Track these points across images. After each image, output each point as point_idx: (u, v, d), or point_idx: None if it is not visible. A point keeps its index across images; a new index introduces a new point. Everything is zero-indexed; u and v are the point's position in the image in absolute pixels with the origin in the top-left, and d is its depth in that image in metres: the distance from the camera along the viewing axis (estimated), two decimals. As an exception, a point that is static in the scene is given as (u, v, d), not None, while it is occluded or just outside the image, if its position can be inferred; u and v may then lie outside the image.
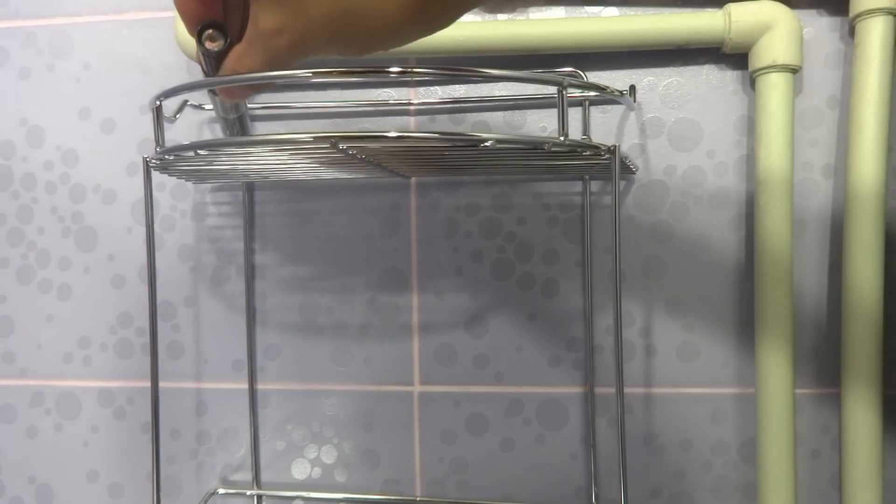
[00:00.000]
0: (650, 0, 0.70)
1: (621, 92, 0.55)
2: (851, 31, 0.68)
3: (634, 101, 0.70)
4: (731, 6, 0.66)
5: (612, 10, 0.71)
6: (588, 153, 0.50)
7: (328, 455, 0.78)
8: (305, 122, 0.75)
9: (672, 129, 0.71)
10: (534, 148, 0.47)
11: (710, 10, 0.67)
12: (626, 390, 0.73)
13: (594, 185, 0.72)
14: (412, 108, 0.74)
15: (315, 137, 0.44)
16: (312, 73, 0.38)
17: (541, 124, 0.73)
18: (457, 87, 0.73)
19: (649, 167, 0.71)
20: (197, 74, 0.76)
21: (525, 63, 0.71)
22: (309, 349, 0.77)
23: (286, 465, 0.78)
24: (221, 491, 0.78)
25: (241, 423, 0.78)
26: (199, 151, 0.49)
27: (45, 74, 0.78)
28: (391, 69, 0.38)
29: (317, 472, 0.78)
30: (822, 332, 0.71)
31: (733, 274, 0.71)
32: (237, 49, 0.43)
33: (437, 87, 0.74)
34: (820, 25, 0.69)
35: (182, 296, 0.78)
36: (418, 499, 0.76)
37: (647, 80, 0.71)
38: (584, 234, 0.72)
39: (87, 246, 0.79)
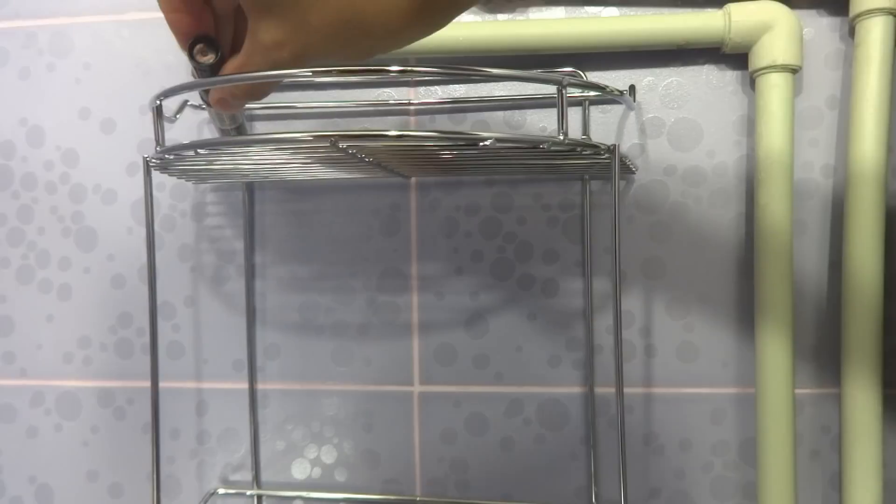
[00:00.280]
0: (650, 0, 0.70)
1: (621, 91, 0.55)
2: (851, 31, 0.68)
3: (634, 101, 0.70)
4: (731, 6, 0.66)
5: (612, 10, 0.71)
6: (588, 152, 0.50)
7: (328, 455, 0.78)
8: (305, 121, 0.75)
9: (672, 129, 0.71)
10: (533, 147, 0.47)
11: (710, 10, 0.67)
12: (626, 390, 0.73)
13: (594, 185, 0.72)
14: (412, 107, 0.74)
15: (315, 136, 0.44)
16: (313, 72, 0.38)
17: (541, 124, 0.73)
18: (456, 87, 0.73)
19: (649, 167, 0.71)
20: (197, 74, 0.76)
21: (525, 63, 0.71)
22: (309, 349, 0.77)
23: (286, 464, 0.78)
24: (221, 491, 0.78)
25: (241, 423, 0.78)
26: (199, 151, 0.49)
27: (45, 74, 0.78)
28: (391, 68, 0.39)
29: (317, 471, 0.78)
30: (822, 332, 0.71)
31: (733, 274, 0.71)
32: (235, 62, 0.43)
33: (436, 87, 0.74)
34: (820, 25, 0.69)
35: (182, 296, 0.78)
36: (418, 499, 0.76)
37: (647, 80, 0.71)
38: (584, 234, 0.72)
39: (87, 246, 0.79)
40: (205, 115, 0.76)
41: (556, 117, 0.72)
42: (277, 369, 0.78)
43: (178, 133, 0.76)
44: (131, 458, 0.80)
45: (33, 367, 0.81)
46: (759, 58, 0.65)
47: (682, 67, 0.71)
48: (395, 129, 0.44)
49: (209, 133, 0.76)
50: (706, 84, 0.71)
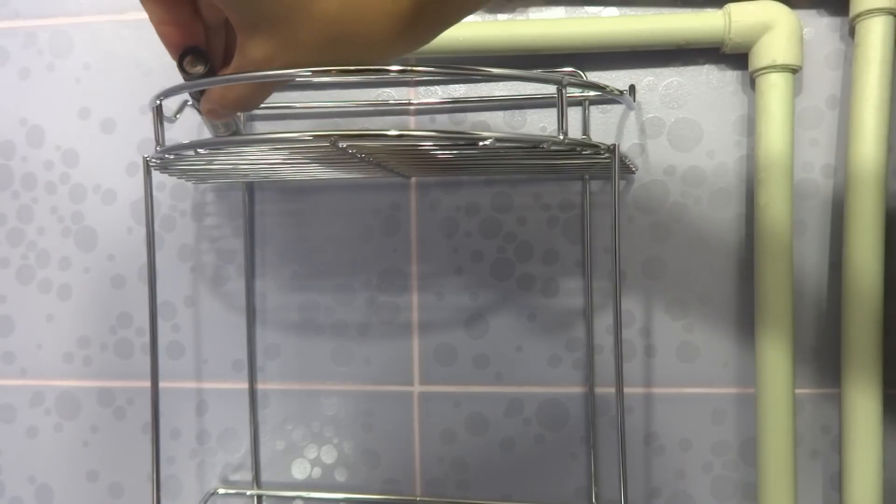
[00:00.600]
0: (650, 0, 0.70)
1: (621, 91, 0.55)
2: (851, 31, 0.68)
3: (634, 101, 0.70)
4: (731, 6, 0.66)
5: (612, 10, 0.71)
6: (587, 152, 0.50)
7: (328, 455, 0.78)
8: (305, 121, 0.75)
9: (672, 129, 0.71)
10: (533, 147, 0.47)
11: (710, 10, 0.67)
12: (626, 390, 0.73)
13: (594, 185, 0.72)
14: (412, 108, 0.74)
15: (315, 136, 0.44)
16: (312, 72, 0.38)
17: (541, 124, 0.73)
18: (457, 87, 0.74)
19: (649, 167, 0.71)
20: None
21: (525, 63, 0.71)
22: (309, 349, 0.77)
23: (286, 464, 0.78)
24: (221, 491, 0.78)
25: (241, 423, 0.78)
26: (199, 150, 0.48)
27: (45, 74, 0.78)
28: (391, 68, 0.39)
29: (317, 471, 0.78)
30: (823, 332, 0.71)
31: (733, 274, 0.71)
32: (226, 74, 0.43)
33: (437, 88, 0.74)
34: (820, 25, 0.69)
35: (182, 296, 0.78)
36: (418, 499, 0.76)
37: (647, 80, 0.71)
38: (584, 234, 0.72)
39: (87, 246, 0.79)
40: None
41: (556, 118, 0.72)
42: (277, 369, 0.78)
43: (178, 133, 0.76)
44: (131, 458, 0.80)
45: (33, 367, 0.81)
46: (759, 58, 0.65)
47: (682, 67, 0.71)
48: (395, 129, 0.44)
49: (209, 134, 0.76)
50: (706, 84, 0.71)
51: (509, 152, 0.51)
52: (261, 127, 0.76)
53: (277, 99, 0.75)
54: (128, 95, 0.77)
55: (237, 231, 0.77)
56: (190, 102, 0.71)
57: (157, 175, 0.76)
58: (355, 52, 0.38)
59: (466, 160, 0.57)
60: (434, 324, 0.75)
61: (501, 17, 0.72)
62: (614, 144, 0.51)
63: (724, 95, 0.70)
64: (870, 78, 0.64)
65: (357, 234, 0.76)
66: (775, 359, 0.67)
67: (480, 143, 0.45)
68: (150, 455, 0.79)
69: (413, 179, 0.75)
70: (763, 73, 0.66)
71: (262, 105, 0.74)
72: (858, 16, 0.65)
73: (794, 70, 0.65)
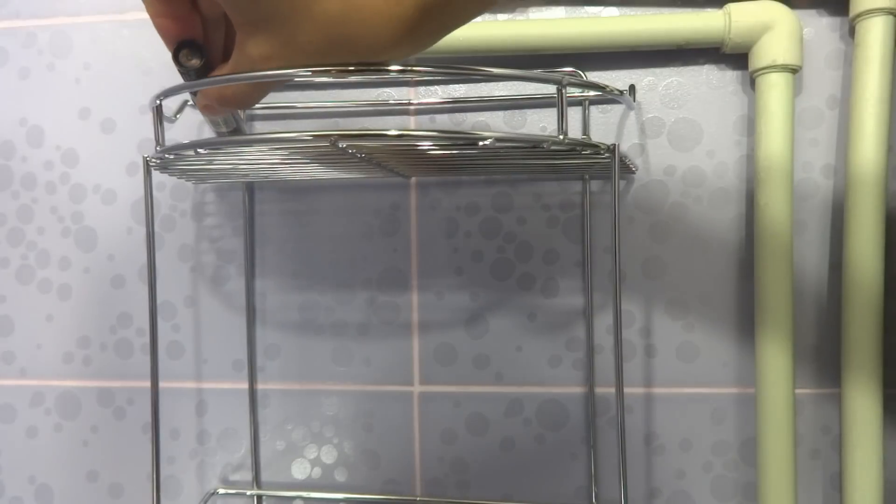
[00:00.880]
0: (650, 0, 0.70)
1: (621, 91, 0.55)
2: (851, 31, 0.68)
3: (634, 101, 0.70)
4: (731, 6, 0.66)
5: (612, 10, 0.71)
6: (587, 152, 0.50)
7: (328, 455, 0.78)
8: (305, 121, 0.75)
9: (672, 129, 0.71)
10: (533, 147, 0.47)
11: (710, 10, 0.67)
12: (626, 390, 0.73)
13: (594, 185, 0.72)
14: (412, 107, 0.74)
15: (314, 136, 0.44)
16: (312, 71, 0.38)
17: (541, 124, 0.73)
18: (457, 87, 0.73)
19: (649, 167, 0.71)
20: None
21: (525, 63, 0.71)
22: (309, 349, 0.77)
23: (286, 465, 0.78)
24: (222, 491, 0.78)
25: (241, 423, 0.78)
26: (199, 150, 0.48)
27: (45, 74, 0.78)
28: (391, 67, 0.38)
29: (317, 472, 0.78)
30: (823, 332, 0.71)
31: (733, 274, 0.71)
32: (223, 70, 0.43)
33: (437, 88, 0.74)
34: (820, 25, 0.69)
35: (182, 296, 0.78)
36: (418, 499, 0.76)
37: (647, 80, 0.71)
38: (584, 233, 0.72)
39: (87, 246, 0.79)
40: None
41: (556, 118, 0.72)
42: (277, 369, 0.78)
43: (178, 133, 0.76)
44: (131, 458, 0.80)
45: (33, 367, 0.81)
46: (759, 58, 0.65)
47: (682, 67, 0.71)
48: (395, 129, 0.44)
49: (209, 133, 0.76)
50: (706, 84, 0.71)
51: (509, 152, 0.51)
52: (261, 126, 0.76)
53: (277, 99, 0.75)
54: (128, 95, 0.77)
55: (237, 231, 0.77)
56: (190, 102, 0.71)
57: (157, 175, 0.76)
58: (356, 55, 0.38)
59: (466, 160, 0.57)
60: (434, 324, 0.75)
61: (501, 17, 0.72)
62: (614, 144, 0.51)
63: (724, 95, 0.70)
64: (870, 78, 0.64)
65: (357, 234, 0.76)
66: (775, 359, 0.67)
67: (480, 143, 0.45)
68: (150, 455, 0.79)
69: (413, 179, 0.75)
70: (763, 73, 0.66)
71: (263, 105, 0.74)
72: (858, 16, 0.65)
73: (794, 70, 0.65)
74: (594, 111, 0.72)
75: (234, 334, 0.78)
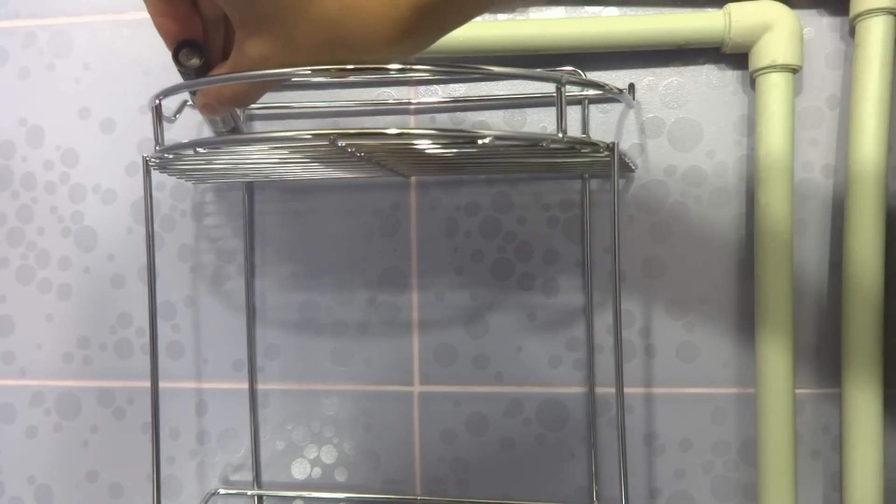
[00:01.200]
0: (650, 0, 0.70)
1: (620, 89, 0.55)
2: (851, 31, 0.68)
3: (634, 99, 0.70)
4: (731, 6, 0.66)
5: (612, 10, 0.71)
6: (587, 150, 0.50)
7: (328, 455, 0.78)
8: (305, 121, 0.75)
9: (672, 129, 0.71)
10: (532, 145, 0.47)
11: (710, 10, 0.67)
12: (627, 390, 0.73)
13: (593, 184, 0.72)
14: (412, 107, 0.74)
15: (314, 135, 0.44)
16: (311, 70, 0.38)
17: (541, 124, 0.73)
18: (457, 87, 0.73)
19: (649, 167, 0.71)
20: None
21: (526, 63, 0.71)
22: (309, 349, 0.77)
23: (286, 465, 0.78)
24: (222, 491, 0.78)
25: (241, 423, 0.78)
26: (198, 150, 0.48)
27: (45, 74, 0.78)
28: (390, 66, 0.38)
29: (317, 472, 0.78)
30: (823, 332, 0.71)
31: (733, 274, 0.71)
32: (222, 70, 0.43)
33: (437, 87, 0.74)
34: (820, 25, 0.69)
35: (182, 296, 0.78)
36: (419, 497, 0.76)
37: (647, 80, 0.71)
38: (583, 233, 0.72)
39: (87, 246, 0.79)
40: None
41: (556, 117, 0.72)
42: (277, 369, 0.78)
43: (177, 133, 0.76)
44: (131, 458, 0.80)
45: (33, 367, 0.81)
46: (760, 58, 0.65)
47: (682, 67, 0.71)
48: (394, 128, 0.44)
49: (208, 133, 0.76)
50: (706, 84, 0.71)
51: (508, 151, 0.51)
52: (260, 126, 0.76)
53: (277, 98, 0.75)
54: (128, 95, 0.77)
55: (237, 231, 0.77)
56: (189, 102, 0.71)
57: (157, 175, 0.76)
58: (353, 56, 0.38)
59: (466, 159, 0.57)
60: (434, 324, 0.75)
61: (501, 17, 0.72)
62: (614, 143, 0.51)
63: (724, 95, 0.70)
64: (870, 78, 0.64)
65: (357, 233, 0.76)
66: (775, 359, 0.67)
67: (479, 142, 0.45)
68: (150, 455, 0.79)
69: (413, 179, 0.75)
70: (763, 73, 0.66)
71: (262, 104, 0.74)
72: (858, 16, 0.65)
73: (794, 70, 0.65)
74: (594, 111, 0.72)
75: (234, 334, 0.78)
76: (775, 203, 0.66)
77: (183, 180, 0.76)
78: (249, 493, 0.78)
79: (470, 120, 0.74)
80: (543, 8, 0.72)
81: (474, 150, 0.50)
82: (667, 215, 0.72)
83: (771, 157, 0.66)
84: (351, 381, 0.77)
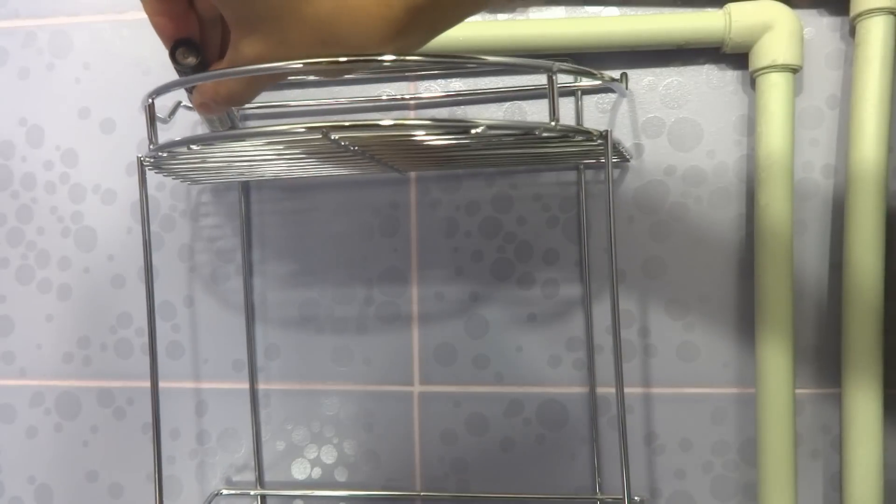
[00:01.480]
0: (650, 0, 0.70)
1: (612, 78, 0.55)
2: (852, 31, 0.68)
3: (626, 88, 0.70)
4: (732, 6, 0.66)
5: (612, 10, 0.71)
6: (580, 138, 0.49)
7: (328, 455, 0.78)
8: (302, 119, 0.75)
9: (672, 129, 0.71)
10: (525, 133, 0.47)
11: (710, 10, 0.67)
12: (626, 390, 0.73)
13: (589, 176, 0.72)
14: (410, 103, 0.74)
15: (307, 128, 0.44)
16: (303, 64, 0.38)
17: (538, 118, 0.72)
18: (455, 83, 0.73)
19: (649, 167, 0.71)
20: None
21: (525, 63, 0.71)
22: (309, 349, 0.77)
23: (286, 465, 0.78)
24: (225, 491, 0.78)
25: (241, 424, 0.78)
26: (191, 146, 0.48)
27: (45, 74, 0.78)
28: (383, 57, 0.39)
29: (317, 472, 0.78)
30: (823, 332, 0.71)
31: (733, 274, 0.71)
32: (218, 69, 0.44)
33: (435, 84, 0.74)
34: (820, 25, 0.69)
35: (182, 295, 0.78)
36: (421, 494, 0.76)
37: (647, 80, 0.71)
38: (580, 227, 0.72)
39: (87, 246, 0.79)
40: (199, 116, 0.76)
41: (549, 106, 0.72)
42: (277, 369, 0.78)
43: (171, 135, 0.76)
44: (131, 458, 0.80)
45: (33, 367, 0.81)
46: (760, 57, 0.65)
47: (682, 67, 0.71)
48: (388, 119, 0.44)
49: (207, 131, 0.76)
50: (706, 84, 0.71)
51: (502, 141, 0.51)
52: (258, 125, 0.76)
53: (274, 97, 0.75)
54: (128, 95, 0.77)
55: (237, 231, 0.77)
56: (184, 103, 0.71)
57: (157, 175, 0.76)
58: (347, 54, 0.38)
59: (459, 151, 0.57)
60: (434, 323, 0.75)
61: (501, 17, 0.72)
62: (607, 130, 0.50)
63: (724, 95, 0.70)
64: (870, 78, 0.64)
65: (357, 233, 0.76)
66: (775, 359, 0.67)
67: (473, 131, 0.45)
68: (150, 455, 0.79)
69: (413, 178, 0.75)
70: (763, 73, 0.66)
71: (258, 103, 0.74)
72: (859, 15, 0.65)
73: (794, 70, 0.65)
74: (594, 111, 0.72)
75: (233, 334, 0.78)
76: (775, 203, 0.66)
77: (179, 182, 0.76)
78: (252, 493, 0.78)
79: (468, 115, 0.74)
80: (543, 8, 0.72)
81: (468, 141, 0.50)
82: (667, 215, 0.72)
83: (771, 157, 0.66)
84: (351, 381, 0.77)
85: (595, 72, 0.52)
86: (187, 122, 0.76)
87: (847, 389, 0.67)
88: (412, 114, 0.74)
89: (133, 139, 0.77)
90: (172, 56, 0.44)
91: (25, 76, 0.78)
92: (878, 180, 0.64)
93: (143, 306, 0.79)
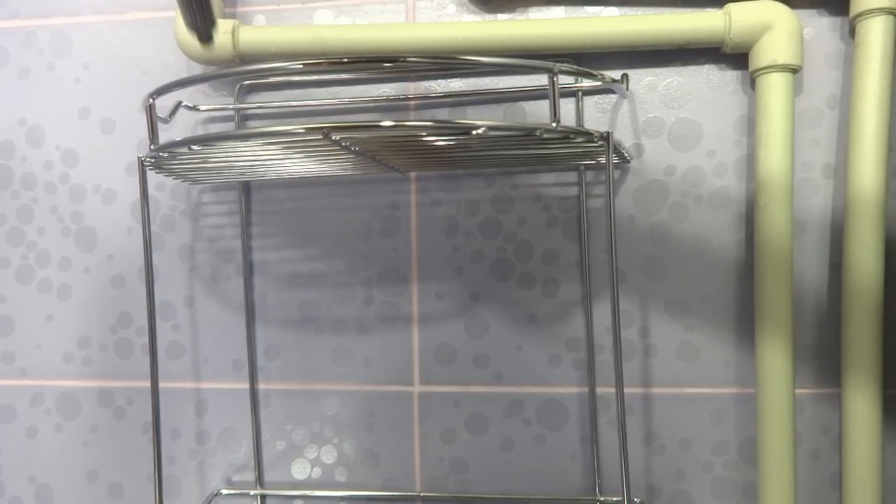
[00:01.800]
0: (650, 0, 0.70)
1: (613, 79, 0.55)
2: (851, 31, 0.68)
3: (627, 90, 0.70)
4: (732, 6, 0.66)
5: (612, 10, 0.71)
6: (580, 140, 0.50)
7: (328, 455, 0.78)
8: (302, 119, 0.75)
9: (672, 129, 0.71)
10: (526, 134, 0.47)
11: (710, 10, 0.67)
12: (626, 390, 0.73)
13: (589, 177, 0.72)
14: (410, 104, 0.74)
15: (308, 129, 0.44)
16: (304, 64, 0.38)
17: (538, 118, 0.72)
18: (455, 83, 0.73)
19: (649, 167, 0.71)
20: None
21: (525, 63, 0.71)
22: (309, 349, 0.77)
23: (286, 465, 0.78)
24: (225, 491, 0.78)
25: (241, 424, 0.78)
26: (192, 147, 0.48)
27: (45, 74, 0.78)
28: (384, 58, 0.39)
29: (317, 472, 0.78)
30: (823, 332, 0.71)
31: (733, 274, 0.71)
32: None
33: (435, 85, 0.74)
34: (820, 25, 0.69)
35: (182, 295, 0.78)
36: (421, 494, 0.76)
37: (647, 80, 0.71)
38: (580, 227, 0.72)
39: (87, 246, 0.79)
40: (200, 116, 0.76)
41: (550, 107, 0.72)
42: (277, 369, 0.78)
43: (171, 135, 0.76)
44: (131, 458, 0.80)
45: (33, 367, 0.81)
46: (760, 58, 0.65)
47: (682, 67, 0.71)
48: (388, 121, 0.44)
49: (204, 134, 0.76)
50: (706, 84, 0.71)
51: (503, 142, 0.51)
52: (257, 125, 0.76)
53: (274, 97, 0.75)
54: (128, 95, 0.77)
55: (237, 231, 0.77)
56: (184, 103, 0.71)
57: (157, 175, 0.76)
58: None
59: (460, 152, 0.57)
60: (434, 323, 0.75)
61: (501, 16, 0.72)
62: (608, 132, 0.51)
63: (724, 95, 0.70)
64: (870, 78, 0.64)
65: (357, 234, 0.76)
66: (775, 359, 0.67)
67: (474, 132, 0.45)
68: (150, 455, 0.79)
69: (413, 178, 0.75)
70: (763, 73, 0.66)
71: (259, 103, 0.74)
72: (858, 16, 0.65)
73: (794, 70, 0.65)
74: (593, 110, 0.72)
75: (233, 334, 0.78)
76: (775, 203, 0.66)
77: (180, 182, 0.76)
78: (252, 493, 0.78)
79: (468, 116, 0.74)
80: (543, 8, 0.72)
81: (469, 142, 0.50)
82: (667, 216, 0.72)
83: (771, 157, 0.66)
84: (351, 381, 0.77)
85: (596, 73, 0.52)
86: (188, 122, 0.76)
87: (847, 389, 0.67)
88: (412, 114, 0.74)
89: (133, 139, 0.78)
90: None
91: (26, 76, 0.79)
92: (878, 180, 0.64)
93: (143, 306, 0.79)
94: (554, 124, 0.46)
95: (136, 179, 0.78)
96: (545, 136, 0.47)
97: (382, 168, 0.63)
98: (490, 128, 0.45)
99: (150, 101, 0.50)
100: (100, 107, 0.78)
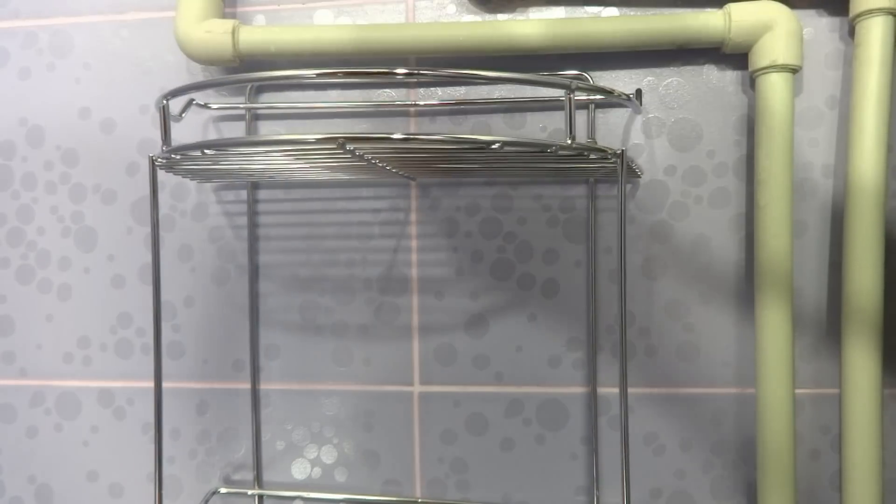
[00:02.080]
0: (650, 0, 0.70)
1: (627, 96, 0.55)
2: (851, 31, 0.68)
3: (640, 105, 0.70)
4: (731, 6, 0.66)
5: (612, 11, 0.71)
6: (594, 156, 0.50)
7: (328, 455, 0.78)
8: (309, 121, 0.75)
9: (672, 129, 0.71)
10: (541, 151, 0.47)
11: (710, 10, 0.68)
12: (627, 390, 0.73)
13: (601, 191, 0.72)
14: (413, 108, 0.74)
15: (321, 139, 0.44)
16: (317, 73, 0.38)
17: (540, 125, 0.73)
18: (457, 88, 0.73)
19: (649, 167, 0.72)
20: (196, 74, 0.76)
21: (524, 63, 0.71)
22: (309, 349, 0.77)
23: (286, 465, 0.78)
24: (223, 490, 0.78)
25: (241, 423, 0.78)
26: (205, 151, 0.48)
27: (45, 74, 0.78)
28: (397, 70, 0.39)
29: (317, 472, 0.78)
30: (822, 332, 0.71)
31: (733, 274, 0.71)
32: None
33: (437, 89, 0.74)
34: (820, 25, 0.69)
35: (182, 296, 0.78)
36: (419, 500, 0.76)
37: (647, 81, 0.71)
38: (588, 235, 0.72)
39: (87, 246, 0.79)
40: (210, 113, 0.76)
41: (555, 118, 0.72)
42: (277, 369, 0.78)
43: (181, 130, 0.76)
44: (131, 458, 0.80)
45: (33, 367, 0.81)
46: (760, 58, 0.66)
47: (682, 67, 0.71)
48: (398, 131, 0.44)
49: (214, 132, 0.76)
50: (706, 84, 0.71)
51: (516, 156, 0.51)
52: (264, 126, 0.76)
53: (281, 99, 0.75)
54: (128, 95, 0.77)
55: (237, 231, 0.77)
56: (195, 101, 0.71)
57: (157, 175, 0.76)
58: None
59: (471, 163, 0.57)
60: (434, 324, 0.75)
61: (501, 16, 0.73)
62: (622, 150, 0.51)
63: (724, 95, 0.71)
64: (870, 78, 0.64)
65: (357, 233, 0.76)
66: (775, 358, 0.67)
67: (491, 147, 0.45)
68: (150, 455, 0.79)
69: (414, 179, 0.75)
70: (763, 73, 0.66)
71: (267, 104, 0.75)
72: (858, 16, 0.65)
73: (794, 70, 0.65)
74: (596, 111, 0.72)
75: (234, 334, 0.78)
76: (775, 203, 0.66)
77: (188, 179, 0.76)
78: (250, 492, 0.78)
79: (470, 121, 0.74)
80: (543, 8, 0.72)
81: (482, 155, 0.51)
82: (667, 216, 0.72)
83: (771, 157, 0.66)
84: (351, 382, 0.77)
85: (611, 89, 0.52)
86: (197, 119, 0.76)
87: (847, 389, 0.67)
88: (414, 120, 0.74)
89: (133, 139, 0.77)
90: None
91: (26, 76, 0.78)
92: (878, 180, 0.64)
93: (143, 306, 0.79)
94: (569, 141, 0.46)
95: (135, 179, 0.78)
96: (560, 152, 0.47)
97: (392, 175, 0.63)
98: (506, 143, 0.45)
99: (164, 102, 0.50)
100: (100, 107, 0.78)
